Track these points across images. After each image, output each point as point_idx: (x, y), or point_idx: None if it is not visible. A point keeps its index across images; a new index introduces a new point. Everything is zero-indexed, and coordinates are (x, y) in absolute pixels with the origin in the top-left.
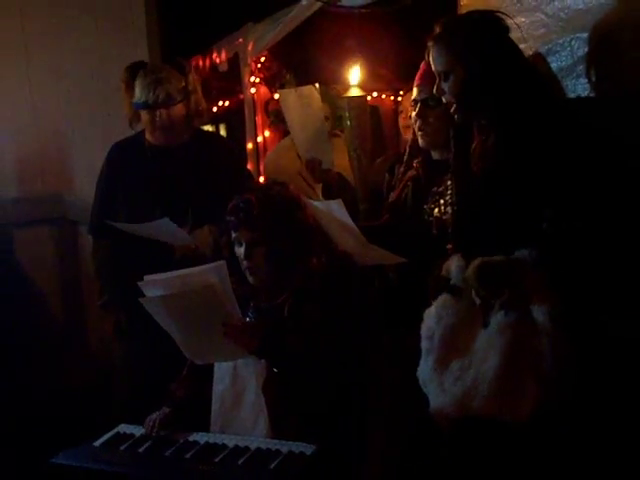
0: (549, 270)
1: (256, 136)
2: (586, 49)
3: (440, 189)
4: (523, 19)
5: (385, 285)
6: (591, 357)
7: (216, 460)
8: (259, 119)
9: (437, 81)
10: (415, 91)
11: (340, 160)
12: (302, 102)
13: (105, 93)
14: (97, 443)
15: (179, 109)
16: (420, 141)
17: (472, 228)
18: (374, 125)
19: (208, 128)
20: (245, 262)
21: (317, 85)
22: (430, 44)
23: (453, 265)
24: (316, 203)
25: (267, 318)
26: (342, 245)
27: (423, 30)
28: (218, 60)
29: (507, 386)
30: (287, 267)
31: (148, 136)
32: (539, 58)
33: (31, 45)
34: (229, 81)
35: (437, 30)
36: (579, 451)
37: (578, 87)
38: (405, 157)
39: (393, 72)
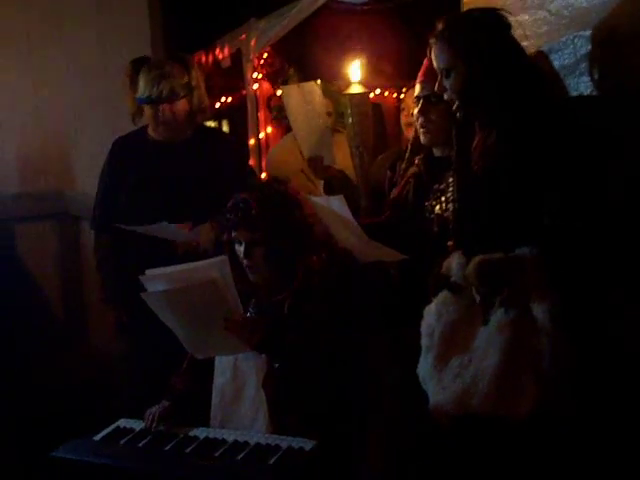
0: (549, 268)
1: (258, 132)
2: (589, 47)
3: (441, 186)
4: (526, 17)
5: (386, 282)
6: (590, 356)
7: (216, 455)
8: (261, 115)
9: (439, 78)
10: (417, 88)
11: (342, 157)
12: (304, 98)
13: (108, 89)
14: (97, 437)
15: (182, 104)
16: (422, 138)
17: (473, 225)
18: (376, 122)
19: (211, 124)
20: (245, 261)
21: (319, 81)
22: (432, 41)
23: (454, 262)
24: (317, 199)
25: (268, 315)
26: (343, 242)
27: (426, 27)
28: (221, 56)
29: (506, 384)
30: (287, 266)
31: (151, 131)
32: (541, 56)
33: (33, 41)
34: (232, 77)
35: (439, 27)
36: (578, 450)
37: (580, 85)
38: (407, 154)
39: (395, 69)
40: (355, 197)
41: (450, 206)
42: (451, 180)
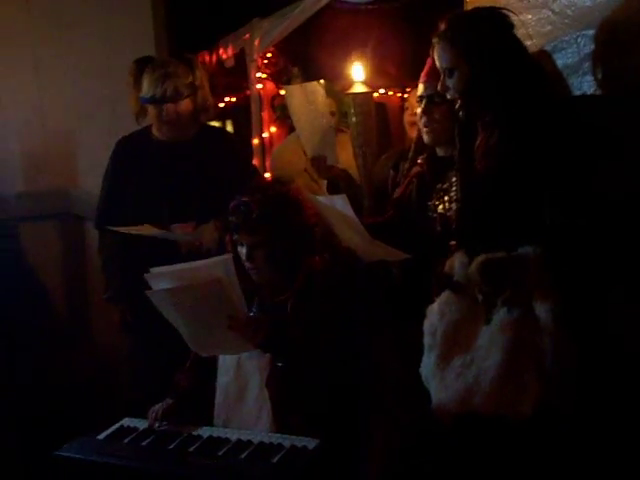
0: (552, 268)
1: (262, 132)
2: (592, 46)
3: (445, 186)
4: (529, 16)
5: (388, 281)
6: (592, 355)
7: (219, 454)
8: (265, 115)
9: (442, 78)
10: (421, 88)
11: (345, 156)
12: (307, 98)
13: (111, 88)
14: (101, 436)
15: (186, 104)
16: (425, 137)
17: (476, 225)
18: (380, 122)
19: (215, 124)
20: (247, 263)
21: (322, 81)
22: (435, 41)
23: (456, 262)
24: (320, 198)
25: (271, 314)
26: (346, 241)
27: (430, 26)
28: (225, 56)
29: (509, 383)
30: (289, 267)
31: (155, 131)
32: (545, 55)
33: (37, 40)
34: (236, 77)
35: (442, 27)
36: (579, 448)
37: (584, 85)
38: (410, 154)
39: (399, 68)
40: (358, 197)
41: (453, 205)
42: (454, 179)
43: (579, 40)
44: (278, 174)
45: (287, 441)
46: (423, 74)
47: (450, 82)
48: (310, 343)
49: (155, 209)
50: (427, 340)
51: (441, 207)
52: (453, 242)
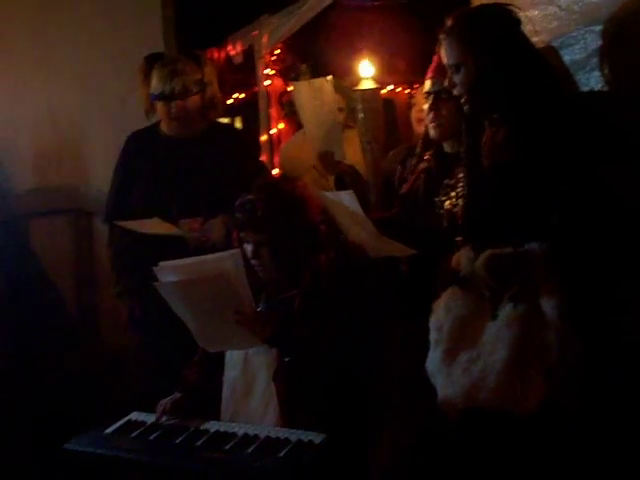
0: (558, 263)
1: (270, 128)
2: (599, 42)
3: (451, 181)
4: (536, 12)
5: (395, 277)
6: (598, 351)
7: (226, 448)
8: (273, 111)
9: (449, 74)
10: (428, 83)
11: (353, 152)
12: (315, 94)
13: (121, 85)
14: (109, 430)
15: (195, 101)
16: (432, 133)
17: (482, 220)
18: (388, 118)
19: (224, 121)
20: (253, 260)
21: (330, 77)
22: (442, 37)
23: (463, 257)
24: (328, 194)
25: (278, 310)
26: (353, 237)
27: (438, 23)
28: (233, 52)
29: (514, 378)
30: (295, 265)
31: (164, 127)
32: (551, 51)
33: (48, 37)
34: (244, 73)
35: (448, 23)
36: (584, 445)
37: (591, 80)
38: (417, 150)
39: (408, 65)
40: (365, 192)
41: (460, 201)
42: (461, 175)
43: (586, 36)
44: (286, 171)
45: (294, 436)
46: (430, 70)
47: (457, 78)
48: (317, 340)
49: (164, 205)
50: (433, 335)
51: (448, 203)
52: (460, 238)
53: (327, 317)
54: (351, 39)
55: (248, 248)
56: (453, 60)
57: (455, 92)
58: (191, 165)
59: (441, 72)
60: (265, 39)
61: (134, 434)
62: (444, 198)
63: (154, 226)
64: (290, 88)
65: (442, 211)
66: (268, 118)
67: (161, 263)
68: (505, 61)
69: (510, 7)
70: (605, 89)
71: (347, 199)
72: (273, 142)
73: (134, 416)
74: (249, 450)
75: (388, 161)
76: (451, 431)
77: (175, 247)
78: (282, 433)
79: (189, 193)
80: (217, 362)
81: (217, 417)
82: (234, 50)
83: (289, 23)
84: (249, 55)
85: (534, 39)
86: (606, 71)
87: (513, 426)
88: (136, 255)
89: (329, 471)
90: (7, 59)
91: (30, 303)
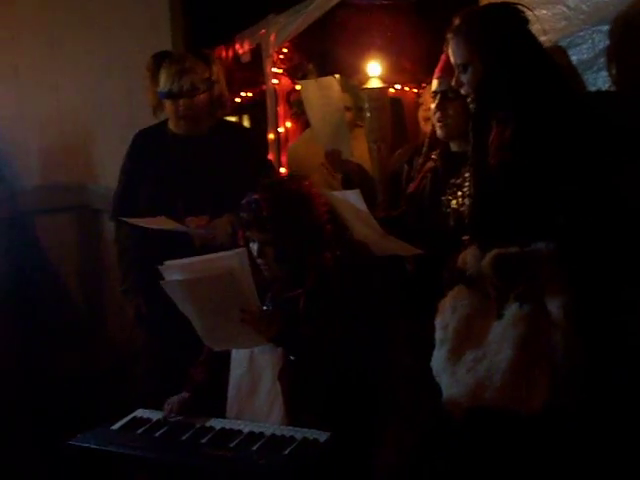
0: (564, 263)
1: (277, 126)
2: (607, 42)
3: (458, 181)
4: (544, 11)
5: (401, 276)
6: (603, 352)
7: (231, 445)
8: (281, 110)
9: (456, 73)
10: (435, 83)
11: (361, 151)
12: (322, 93)
13: (128, 83)
14: (115, 427)
15: (202, 99)
16: (439, 133)
17: (489, 220)
18: (395, 117)
19: (231, 119)
20: (258, 259)
21: (338, 76)
22: (449, 36)
23: (469, 256)
24: (334, 193)
25: (284, 309)
26: (359, 235)
27: (445, 22)
28: (241, 51)
29: (520, 378)
30: (300, 265)
31: (171, 125)
32: (559, 51)
33: (55, 37)
34: (252, 72)
35: (456, 22)
36: (589, 445)
37: (599, 80)
38: (424, 149)
39: (415, 64)
40: (372, 191)
41: (466, 201)
42: (467, 175)
43: (594, 36)
44: (294, 169)
45: (299, 434)
46: (437, 70)
47: (464, 77)
48: (322, 339)
49: (170, 202)
50: (439, 334)
51: (454, 202)
52: (466, 237)
53: (332, 316)
54: (358, 38)
55: (254, 247)
56: (460, 59)
57: (462, 91)
58: (198, 163)
59: (448, 71)
60: (272, 38)
61: (140, 431)
62: (451, 197)
63: (160, 223)
64: (298, 87)
65: (449, 210)
66: (276, 117)
67: (167, 262)
68: (512, 60)
69: (518, 6)
70: (612, 89)
71: (353, 198)
72: (280, 141)
73: (140, 413)
74: (254, 448)
75: (395, 160)
76: (456, 430)
77: (181, 246)
78: (287, 431)
79: (196, 191)
80: (223, 361)
81: (222, 415)
82: (242, 49)
83: (296, 22)
84: (257, 54)
85: (542, 38)
86: (613, 71)
87: (518, 425)
88: (143, 253)
89: (334, 469)
90: (15, 57)
91: (35, 300)
